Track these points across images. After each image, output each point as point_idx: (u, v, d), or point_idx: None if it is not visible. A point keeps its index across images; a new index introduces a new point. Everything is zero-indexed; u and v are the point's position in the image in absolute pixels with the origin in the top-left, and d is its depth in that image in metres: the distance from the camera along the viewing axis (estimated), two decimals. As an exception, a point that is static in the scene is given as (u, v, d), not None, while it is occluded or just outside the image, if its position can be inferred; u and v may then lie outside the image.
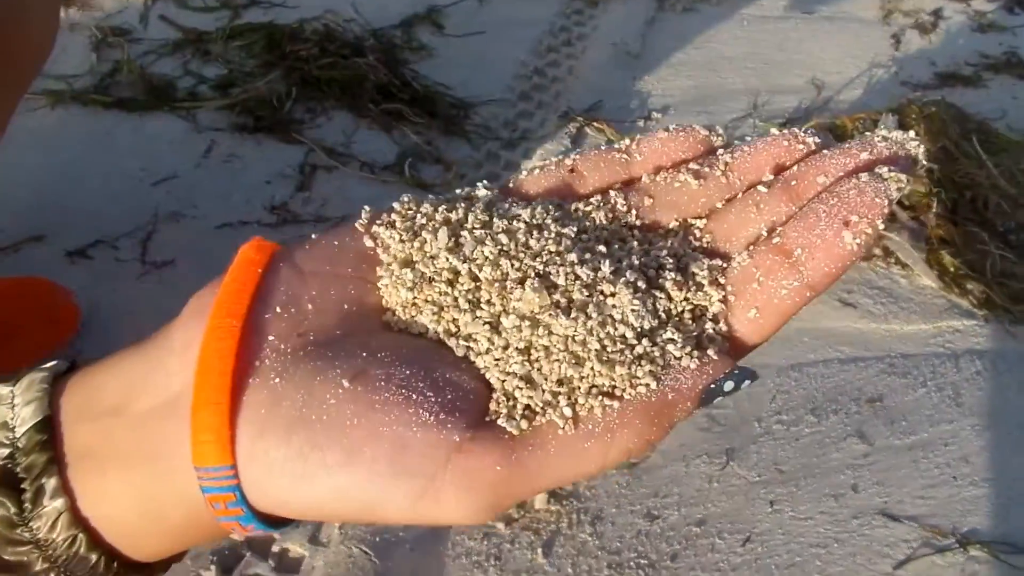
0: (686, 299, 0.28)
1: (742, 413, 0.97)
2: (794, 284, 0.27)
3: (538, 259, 0.28)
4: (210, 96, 1.28)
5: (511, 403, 0.26)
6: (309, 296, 0.27)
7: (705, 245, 0.30)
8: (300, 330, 0.26)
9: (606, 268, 0.28)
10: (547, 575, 0.82)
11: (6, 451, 0.26)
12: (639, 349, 0.26)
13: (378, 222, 0.29)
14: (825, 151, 0.29)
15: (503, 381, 0.26)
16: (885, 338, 1.06)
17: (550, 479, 0.25)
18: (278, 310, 0.26)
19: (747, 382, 0.27)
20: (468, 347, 0.27)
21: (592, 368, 0.26)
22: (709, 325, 0.27)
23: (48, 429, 0.26)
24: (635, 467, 0.91)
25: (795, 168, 0.29)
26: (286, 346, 0.25)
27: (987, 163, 1.13)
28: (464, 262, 0.28)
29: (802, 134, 0.30)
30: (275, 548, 0.81)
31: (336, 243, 0.29)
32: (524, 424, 0.25)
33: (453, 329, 0.27)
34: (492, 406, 0.26)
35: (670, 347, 0.27)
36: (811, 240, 0.27)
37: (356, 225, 0.29)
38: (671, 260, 0.29)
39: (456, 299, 0.28)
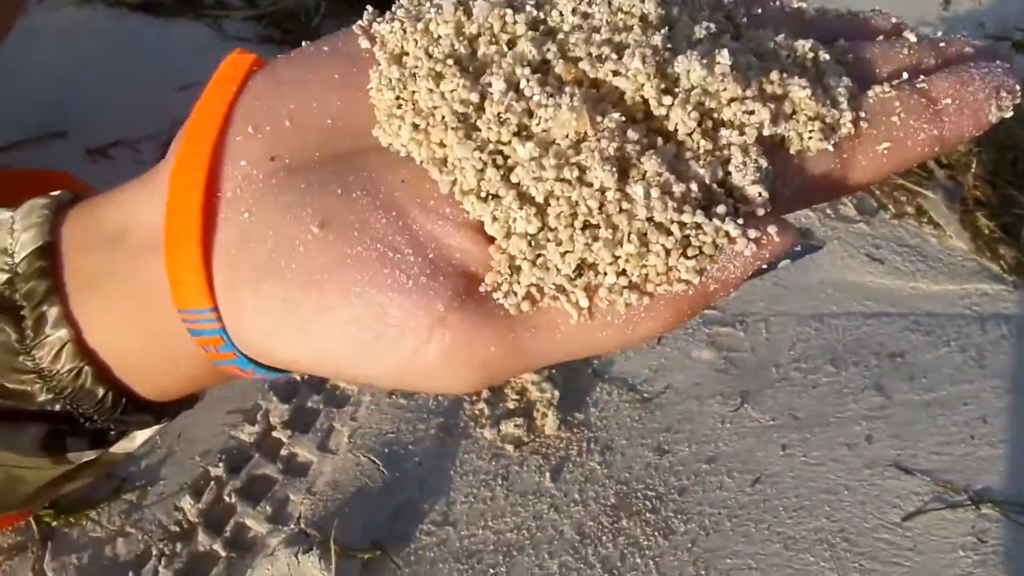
0: (815, 114, 0.23)
1: (760, 358, 0.95)
2: (932, 133, 0.24)
3: (587, 48, 0.22)
4: (238, 6, 1.25)
5: (512, 277, 0.21)
6: (287, 111, 0.23)
7: (842, 59, 0.25)
8: (274, 152, 0.23)
9: (708, 66, 0.21)
10: (554, 499, 0.82)
11: (4, 276, 0.24)
12: (690, 228, 0.21)
13: (379, 19, 0.24)
14: (966, 46, 0.27)
15: (505, 243, 0.21)
16: (911, 296, 1.04)
17: (551, 361, 0.22)
18: (250, 130, 0.23)
19: (807, 255, 0.25)
20: (456, 185, 0.21)
21: (628, 253, 0.20)
22: (821, 147, 0.23)
23: (48, 256, 0.24)
24: (648, 402, 0.90)
25: (940, 37, 0.26)
26: (258, 172, 0.23)
27: (1033, 125, 1.09)
28: (468, 47, 0.22)
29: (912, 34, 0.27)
30: (284, 452, 0.81)
31: (326, 48, 0.25)
32: (526, 306, 0.21)
33: (440, 155, 0.22)
34: (489, 277, 0.21)
35: (729, 226, 0.21)
36: (963, 95, 0.24)
37: (354, 27, 0.25)
38: (796, 66, 0.24)
39: (443, 106, 0.21)
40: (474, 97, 0.22)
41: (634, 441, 0.87)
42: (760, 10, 0.26)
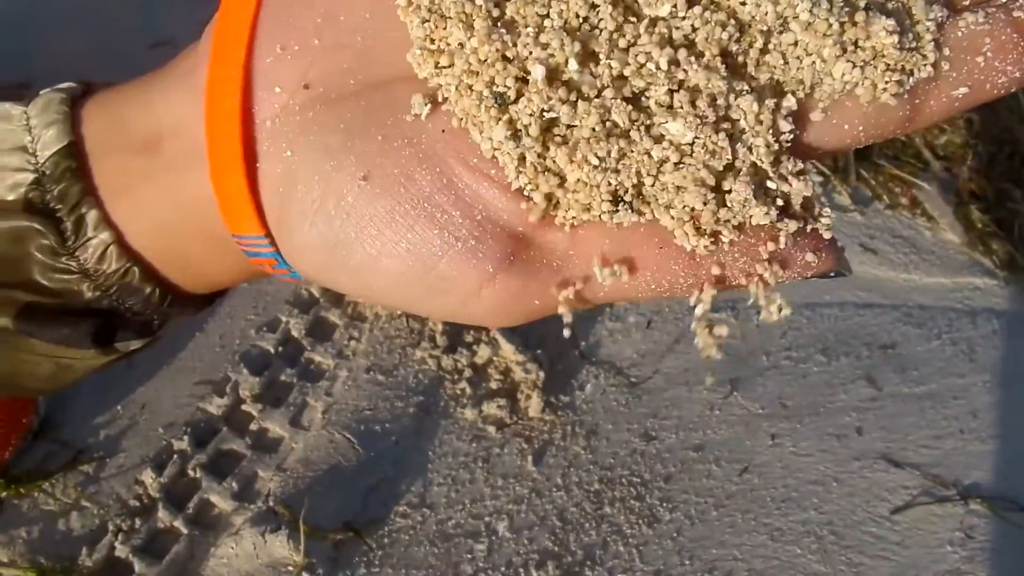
0: (897, 63, 0.21)
1: (750, 345, 0.93)
2: (1015, 76, 0.21)
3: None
4: (219, -38, 1.20)
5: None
6: (313, 26, 0.22)
7: None
8: (308, 78, 0.22)
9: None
10: (536, 483, 0.79)
11: (31, 176, 0.24)
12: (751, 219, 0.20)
13: None
14: None
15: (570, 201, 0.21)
16: (903, 287, 1.02)
17: (592, 306, 0.22)
18: (279, 49, 0.22)
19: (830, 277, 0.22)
20: (494, 148, 0.21)
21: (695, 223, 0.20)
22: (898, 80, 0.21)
23: (74, 156, 0.24)
24: (636, 387, 0.87)
25: None
26: (293, 102, 0.22)
27: (1031, 119, 1.08)
28: None
29: None
30: (253, 426, 0.77)
31: None
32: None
33: (472, 110, 0.21)
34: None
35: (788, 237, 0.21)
36: None
37: None
38: None
39: (476, 78, 0.21)
40: (509, 81, 0.21)
41: (620, 426, 0.84)
42: None
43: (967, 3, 0.22)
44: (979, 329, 0.99)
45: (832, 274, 0.22)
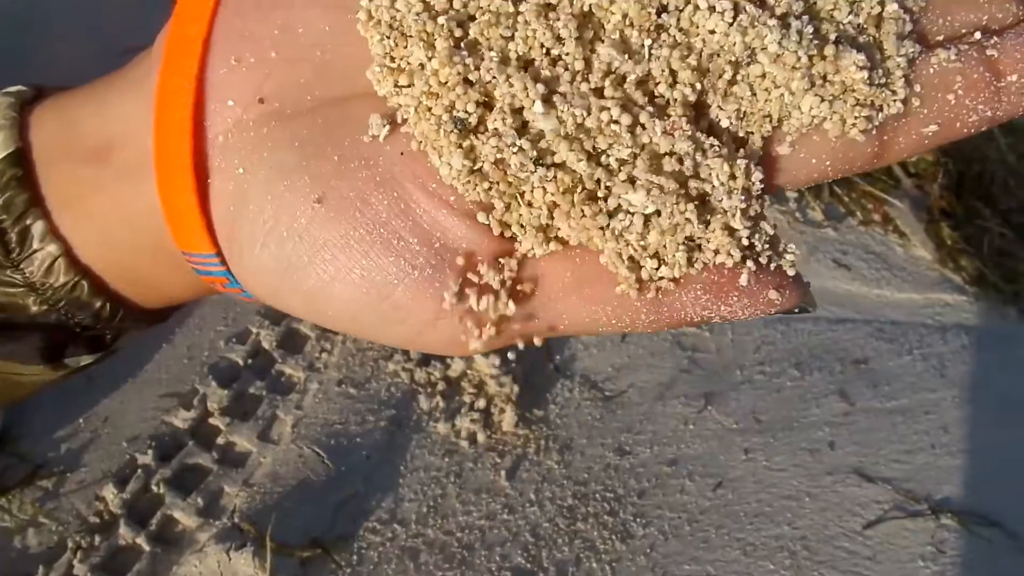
0: (866, 98, 0.20)
1: (724, 359, 0.93)
2: (985, 115, 0.21)
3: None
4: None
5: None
6: (271, 37, 0.21)
7: (908, 13, 0.21)
8: (263, 91, 0.21)
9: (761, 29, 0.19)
10: (509, 498, 0.78)
11: None
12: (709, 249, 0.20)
13: None
14: None
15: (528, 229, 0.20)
16: (875, 303, 1.03)
17: (551, 336, 0.22)
18: (233, 61, 0.21)
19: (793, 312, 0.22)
20: (452, 175, 0.20)
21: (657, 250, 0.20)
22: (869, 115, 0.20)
23: (21, 164, 0.23)
24: (610, 401, 0.87)
25: None
26: (247, 116, 0.21)
27: (998, 138, 1.10)
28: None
29: None
30: (220, 440, 0.76)
31: None
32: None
33: (431, 134, 0.20)
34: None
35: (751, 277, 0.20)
36: None
37: None
38: (851, 26, 0.21)
39: (436, 102, 0.20)
40: (471, 106, 0.20)
41: (594, 441, 0.83)
42: None
43: (940, 38, 0.22)
44: (949, 344, 1.00)
45: (796, 310, 0.21)
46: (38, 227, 0.23)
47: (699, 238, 0.20)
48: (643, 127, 0.20)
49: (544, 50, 0.20)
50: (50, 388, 0.27)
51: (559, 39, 0.20)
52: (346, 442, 0.77)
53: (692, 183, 0.20)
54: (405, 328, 0.21)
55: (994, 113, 0.21)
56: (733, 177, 0.20)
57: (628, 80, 0.20)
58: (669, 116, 0.20)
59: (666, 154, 0.20)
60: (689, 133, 0.20)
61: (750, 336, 0.96)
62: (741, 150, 0.21)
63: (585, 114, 0.20)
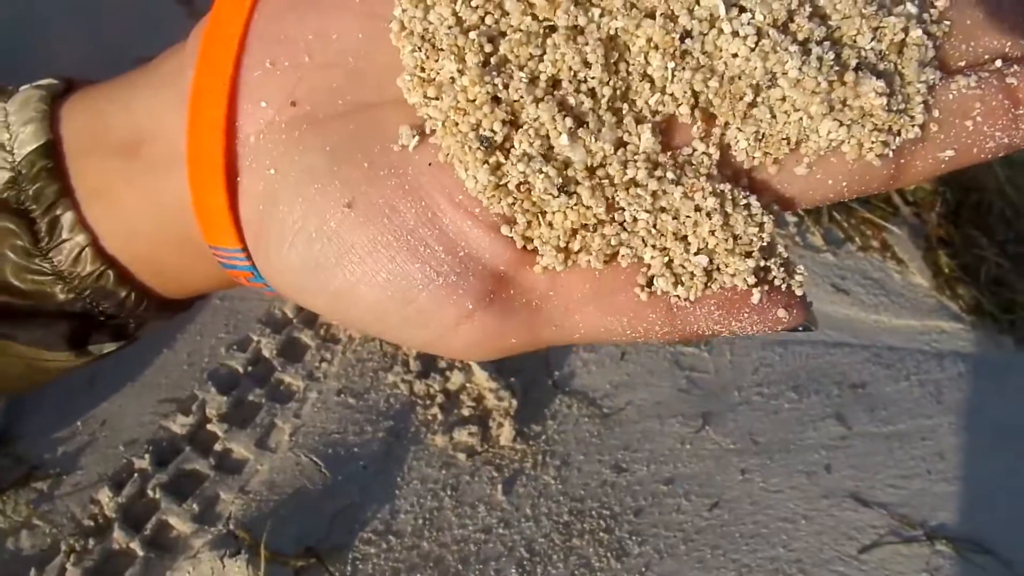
0: (885, 124, 0.21)
1: (723, 380, 0.93)
2: (1003, 141, 0.21)
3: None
4: (208, -18, 1.20)
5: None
6: (305, 42, 0.22)
7: (931, 39, 0.22)
8: (296, 94, 0.21)
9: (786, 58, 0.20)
10: (505, 513, 0.77)
11: (6, 175, 0.23)
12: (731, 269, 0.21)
13: None
14: None
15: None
16: (873, 328, 1.03)
17: (567, 344, 0.22)
18: (268, 64, 0.22)
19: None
20: (477, 189, 0.21)
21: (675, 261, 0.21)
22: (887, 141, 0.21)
23: (52, 156, 0.23)
24: (608, 418, 0.87)
25: None
26: (279, 118, 0.21)
27: (996, 169, 1.11)
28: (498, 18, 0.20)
29: None
30: (218, 447, 0.75)
31: None
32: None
33: (457, 149, 0.21)
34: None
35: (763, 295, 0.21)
36: None
37: None
38: (872, 51, 0.21)
39: (465, 119, 0.20)
40: (497, 125, 0.20)
41: (591, 457, 0.83)
42: None
43: (963, 64, 0.22)
44: (946, 371, 1.00)
45: (800, 328, 0.22)
46: (67, 217, 0.23)
47: (716, 264, 0.21)
48: (664, 192, 0.21)
49: (572, 72, 0.20)
50: (69, 374, 0.28)
51: (587, 63, 0.20)
52: (343, 452, 0.77)
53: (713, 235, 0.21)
54: (427, 332, 0.21)
55: (1011, 140, 0.22)
56: (750, 221, 0.21)
57: (653, 146, 0.21)
58: (692, 176, 0.21)
59: (686, 212, 0.21)
60: (711, 190, 0.21)
61: (748, 357, 0.96)
62: (756, 198, 0.21)
63: (612, 149, 0.20)
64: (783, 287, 0.21)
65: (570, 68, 0.20)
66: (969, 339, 1.05)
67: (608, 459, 0.84)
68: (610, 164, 0.20)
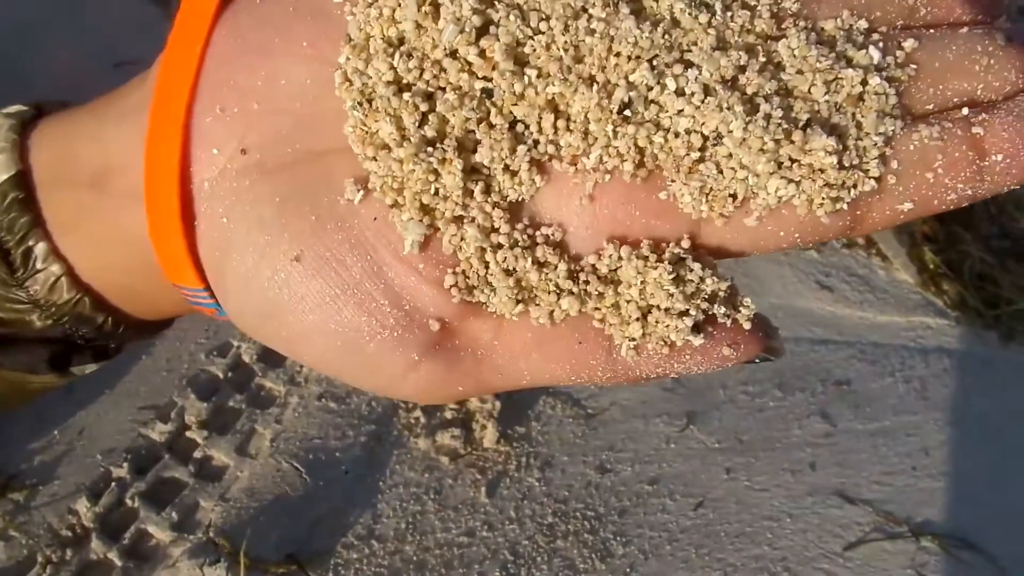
0: (837, 181, 0.20)
1: (707, 378, 0.93)
2: (966, 192, 0.21)
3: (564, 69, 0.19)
4: (187, -15, 1.19)
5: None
6: (254, 89, 0.22)
7: (893, 86, 0.21)
8: (245, 143, 0.22)
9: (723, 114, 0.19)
10: (488, 515, 0.77)
11: None
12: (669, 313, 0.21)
13: None
14: None
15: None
16: (858, 325, 1.03)
17: (514, 389, 0.23)
18: (218, 110, 0.22)
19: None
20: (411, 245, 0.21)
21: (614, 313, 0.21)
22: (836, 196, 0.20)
23: (22, 186, 0.24)
24: (592, 418, 0.86)
25: None
26: (231, 165, 0.22)
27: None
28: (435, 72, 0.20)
29: None
30: (197, 454, 0.75)
31: None
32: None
33: (395, 214, 0.21)
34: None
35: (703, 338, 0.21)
36: (1018, 152, 0.21)
37: None
38: (824, 100, 0.20)
39: (410, 176, 0.20)
40: (433, 197, 0.21)
41: (576, 458, 0.83)
42: None
43: (930, 107, 0.21)
44: (931, 367, 1.00)
45: (757, 359, 0.22)
46: (40, 248, 0.24)
47: (654, 319, 0.21)
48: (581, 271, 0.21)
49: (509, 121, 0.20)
50: (53, 392, 0.29)
51: (527, 126, 0.20)
52: (325, 457, 0.77)
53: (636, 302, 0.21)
54: (377, 378, 0.22)
55: (975, 191, 0.21)
56: (691, 284, 0.21)
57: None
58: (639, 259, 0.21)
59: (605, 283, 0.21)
60: (651, 263, 0.21)
61: (733, 356, 0.96)
62: (699, 264, 0.21)
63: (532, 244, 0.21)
64: (728, 323, 0.21)
65: (510, 115, 0.20)
66: (954, 335, 1.05)
67: (592, 460, 0.83)
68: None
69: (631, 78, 0.20)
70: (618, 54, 0.20)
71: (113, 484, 0.71)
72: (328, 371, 0.23)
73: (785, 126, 0.20)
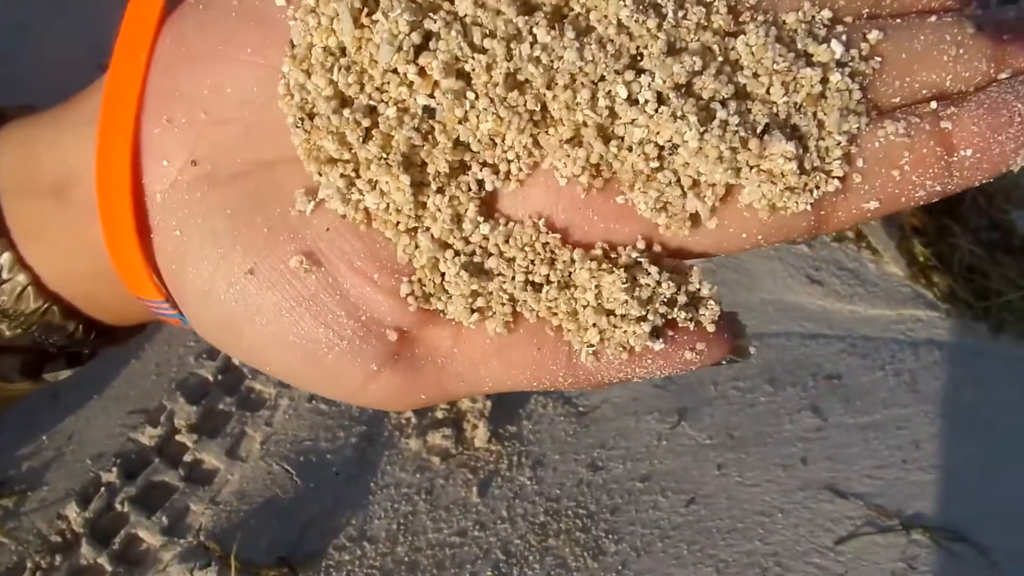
0: (799, 184, 0.19)
1: (698, 375, 0.93)
2: (935, 189, 0.20)
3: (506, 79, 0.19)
4: (173, -15, 1.19)
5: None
6: (200, 97, 0.21)
7: (857, 80, 0.20)
8: (194, 154, 0.21)
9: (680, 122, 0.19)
10: (480, 515, 0.77)
11: None
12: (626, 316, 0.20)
13: None
14: None
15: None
16: (848, 318, 1.03)
17: (477, 394, 0.23)
18: (166, 121, 0.21)
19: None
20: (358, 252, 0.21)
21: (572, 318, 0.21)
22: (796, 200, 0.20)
23: None
24: (583, 416, 0.86)
25: (1008, 17, 0.21)
26: (182, 177, 0.22)
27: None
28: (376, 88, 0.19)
29: None
30: (187, 457, 0.75)
31: (236, 3, 0.22)
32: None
33: (357, 201, 0.21)
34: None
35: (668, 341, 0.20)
36: (989, 144, 0.20)
37: None
38: (783, 103, 0.19)
39: (345, 145, 0.20)
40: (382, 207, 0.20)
41: (567, 456, 0.83)
42: None
43: (897, 101, 0.21)
44: (921, 360, 1.01)
45: (725, 361, 0.22)
46: (6, 258, 0.24)
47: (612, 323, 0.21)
48: (560, 271, 0.21)
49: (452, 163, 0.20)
50: (43, 394, 0.28)
51: (471, 146, 0.20)
52: (316, 459, 0.77)
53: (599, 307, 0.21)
54: (340, 388, 0.22)
55: (944, 188, 0.20)
56: (647, 288, 0.20)
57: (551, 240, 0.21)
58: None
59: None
60: (607, 267, 0.20)
61: (724, 352, 0.96)
62: (656, 268, 0.21)
63: (503, 238, 0.20)
64: (691, 326, 0.21)
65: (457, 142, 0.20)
66: (944, 327, 1.06)
67: (584, 458, 0.83)
68: (511, 245, 0.20)
69: (578, 101, 0.19)
70: (565, 86, 0.19)
71: (103, 489, 0.70)
72: (291, 381, 0.23)
73: (742, 133, 0.19)
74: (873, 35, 0.21)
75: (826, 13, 0.21)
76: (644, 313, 0.20)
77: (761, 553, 0.80)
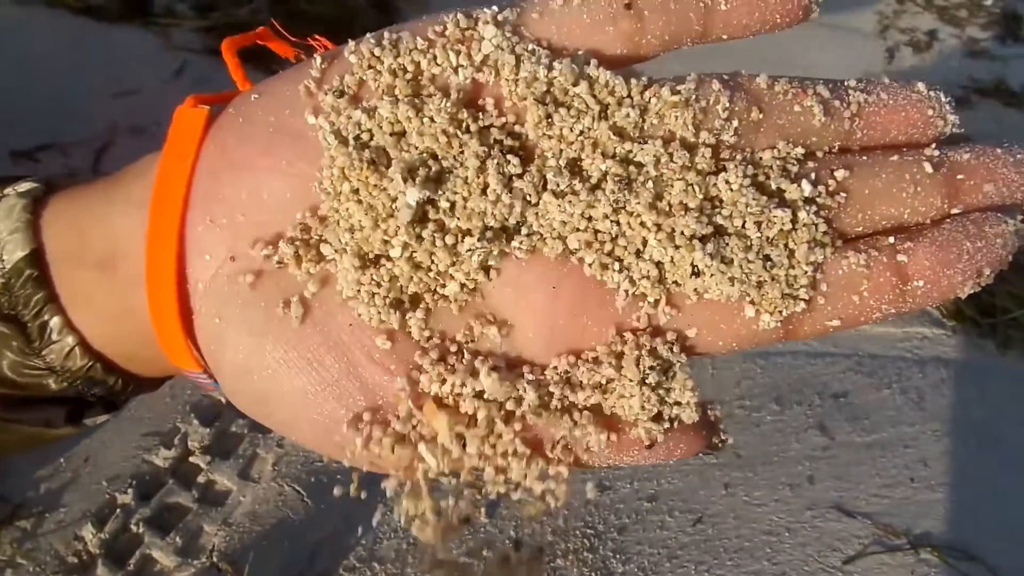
0: (771, 307, 0.23)
1: (704, 394, 0.94)
2: (890, 311, 0.23)
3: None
4: (189, 16, 1.22)
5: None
6: (239, 202, 0.24)
7: (826, 212, 0.23)
8: (233, 251, 0.24)
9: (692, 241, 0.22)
10: (488, 535, 0.78)
11: None
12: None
13: (327, 87, 0.24)
14: (996, 150, 0.24)
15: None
16: (854, 337, 1.04)
17: None
18: (209, 220, 0.24)
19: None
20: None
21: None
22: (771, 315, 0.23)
23: (37, 264, 0.26)
24: (591, 436, 0.87)
25: (963, 158, 0.24)
26: (222, 271, 0.24)
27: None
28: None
29: (947, 106, 0.24)
30: (201, 479, 0.76)
31: (273, 119, 0.25)
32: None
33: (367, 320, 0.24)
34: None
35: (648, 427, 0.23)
36: (939, 278, 0.23)
37: (301, 88, 0.24)
38: (778, 219, 0.23)
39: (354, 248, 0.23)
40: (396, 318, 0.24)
41: (574, 476, 0.83)
42: (761, 114, 0.24)
43: (860, 230, 0.24)
44: (928, 378, 1.01)
45: (700, 454, 0.25)
46: (55, 322, 0.26)
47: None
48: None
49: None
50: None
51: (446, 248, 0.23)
52: (326, 479, 0.78)
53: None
54: (345, 458, 0.25)
55: (899, 310, 0.24)
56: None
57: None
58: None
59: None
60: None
61: (731, 371, 0.97)
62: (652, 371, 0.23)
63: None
64: (673, 423, 0.24)
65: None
66: (950, 344, 1.06)
67: (591, 477, 0.84)
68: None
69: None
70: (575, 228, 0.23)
71: (118, 510, 0.72)
72: (316, 450, 0.25)
73: (721, 267, 0.23)
74: (840, 173, 0.24)
75: (799, 150, 0.24)
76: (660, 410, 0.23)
77: (769, 573, 0.80)
